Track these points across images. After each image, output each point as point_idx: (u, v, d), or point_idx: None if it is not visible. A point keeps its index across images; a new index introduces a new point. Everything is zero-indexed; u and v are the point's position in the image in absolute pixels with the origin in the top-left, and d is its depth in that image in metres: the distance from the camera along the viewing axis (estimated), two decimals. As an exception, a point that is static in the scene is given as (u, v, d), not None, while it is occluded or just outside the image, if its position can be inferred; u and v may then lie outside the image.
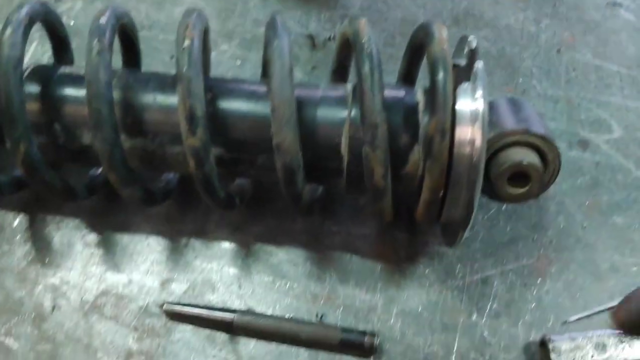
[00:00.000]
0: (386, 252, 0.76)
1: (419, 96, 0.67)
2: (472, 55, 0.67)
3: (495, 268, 0.76)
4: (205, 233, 0.76)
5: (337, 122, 0.65)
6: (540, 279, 0.75)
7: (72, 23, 0.96)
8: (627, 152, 0.86)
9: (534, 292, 0.74)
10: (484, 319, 0.72)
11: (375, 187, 0.63)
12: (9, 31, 0.62)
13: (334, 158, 0.66)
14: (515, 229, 0.79)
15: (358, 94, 0.62)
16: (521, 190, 0.67)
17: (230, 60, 0.93)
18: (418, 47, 0.73)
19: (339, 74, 0.78)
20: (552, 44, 0.98)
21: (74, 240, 0.75)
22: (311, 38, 0.96)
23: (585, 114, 0.91)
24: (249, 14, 0.98)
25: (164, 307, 0.70)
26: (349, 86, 0.69)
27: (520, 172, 0.66)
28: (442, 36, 0.64)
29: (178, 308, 0.69)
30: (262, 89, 0.68)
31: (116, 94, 0.63)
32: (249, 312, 0.70)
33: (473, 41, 0.67)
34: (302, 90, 0.66)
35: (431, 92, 0.62)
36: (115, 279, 0.73)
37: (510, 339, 0.71)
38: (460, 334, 0.71)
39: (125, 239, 0.76)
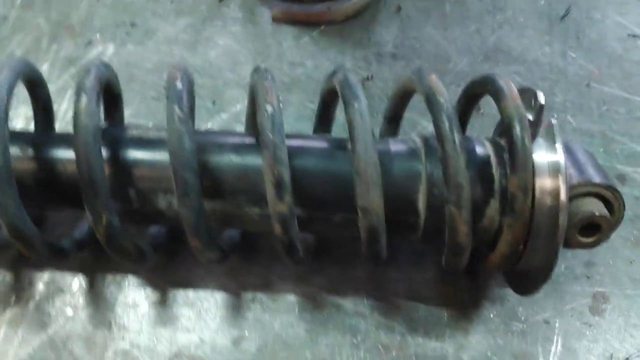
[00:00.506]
0: (450, 297, 0.77)
1: (489, 148, 0.68)
2: (539, 110, 0.68)
3: (555, 308, 0.77)
4: (270, 286, 0.76)
5: (412, 178, 0.66)
6: (598, 317, 0.77)
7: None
8: (664, 186, 0.88)
9: (594, 331, 0.76)
10: (551, 361, 0.74)
11: (458, 245, 0.64)
12: (84, 100, 0.60)
13: (410, 213, 0.66)
14: (569, 268, 0.80)
15: (439, 153, 0.62)
16: (591, 240, 0.68)
17: (272, 103, 0.92)
18: (474, 96, 0.74)
19: (393, 122, 0.79)
20: (580, 77, 1.00)
21: (139, 299, 0.74)
22: (349, 78, 0.96)
23: (620, 147, 0.92)
24: (284, 56, 0.98)
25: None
26: (417, 139, 0.70)
27: (590, 223, 0.68)
28: (514, 92, 0.65)
29: (258, 369, 0.69)
30: (334, 146, 0.68)
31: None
32: (328, 369, 0.70)
33: (541, 96, 0.68)
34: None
35: (509, 149, 0.63)
36: (186, 340, 0.71)
37: (578, 381, 0.73)
38: (531, 379, 0.72)
39: (190, 296, 0.74)
